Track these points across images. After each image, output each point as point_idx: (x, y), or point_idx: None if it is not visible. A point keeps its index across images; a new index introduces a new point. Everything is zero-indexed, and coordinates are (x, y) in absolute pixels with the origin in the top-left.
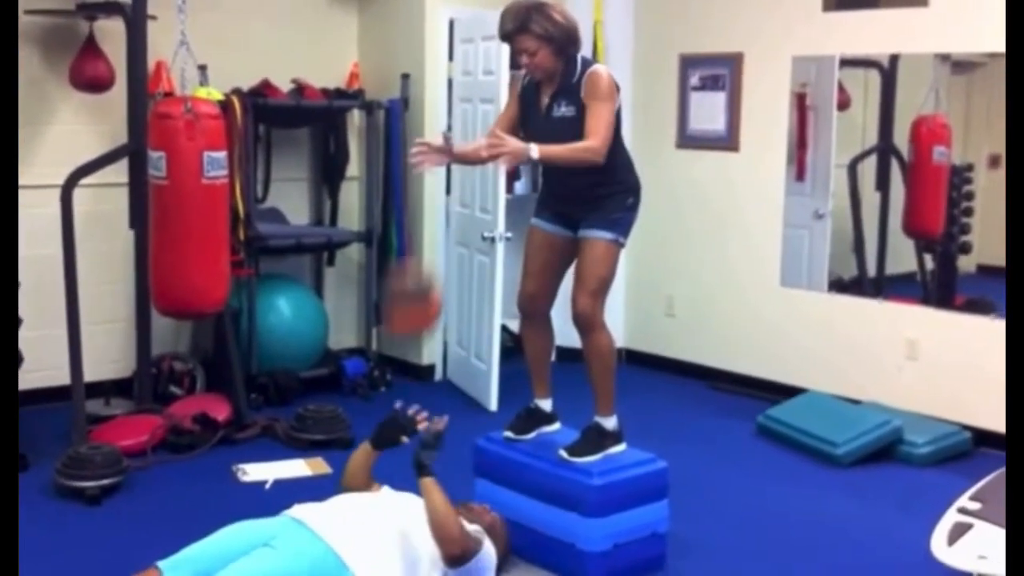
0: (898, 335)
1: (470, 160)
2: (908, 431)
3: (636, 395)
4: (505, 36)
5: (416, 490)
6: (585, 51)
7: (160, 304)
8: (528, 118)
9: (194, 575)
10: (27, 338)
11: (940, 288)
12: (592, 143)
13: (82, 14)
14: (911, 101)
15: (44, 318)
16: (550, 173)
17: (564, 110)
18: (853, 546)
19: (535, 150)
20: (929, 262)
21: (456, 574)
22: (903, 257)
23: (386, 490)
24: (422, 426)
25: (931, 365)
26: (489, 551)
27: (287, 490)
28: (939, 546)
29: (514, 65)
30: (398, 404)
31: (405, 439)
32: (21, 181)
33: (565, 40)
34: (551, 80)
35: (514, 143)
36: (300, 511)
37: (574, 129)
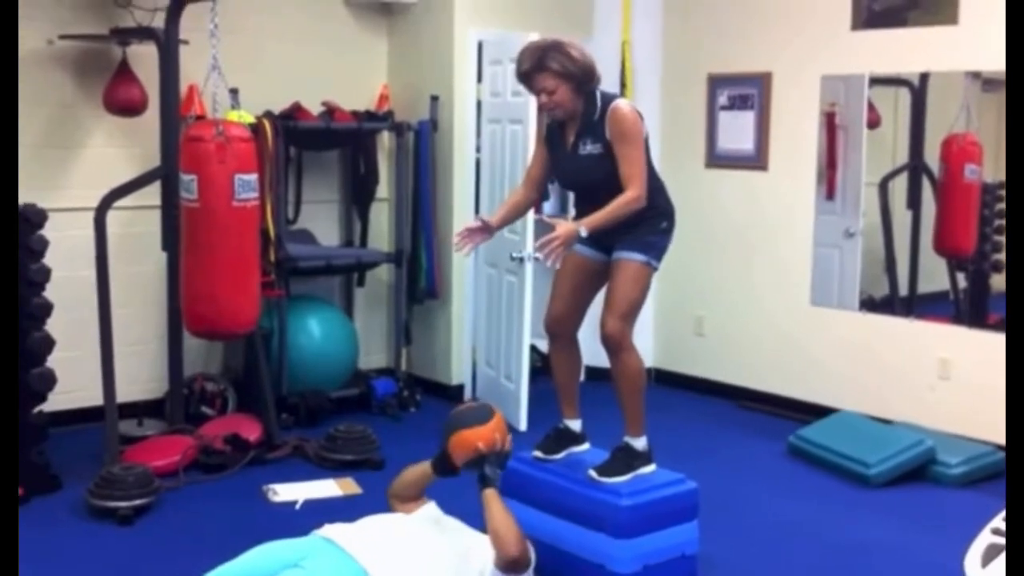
0: (930, 354)
1: (510, 223)
2: (941, 451)
3: (666, 415)
4: (523, 76)
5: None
6: (614, 72)
7: (191, 325)
8: (555, 159)
9: None
10: (60, 359)
11: (972, 307)
12: (632, 193)
13: (115, 39)
14: (942, 119)
15: (77, 340)
16: (582, 198)
17: (590, 148)
18: (885, 568)
19: (584, 229)
20: (961, 281)
21: None
22: (935, 276)
23: (432, 506)
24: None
25: (964, 384)
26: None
27: (317, 510)
28: (973, 568)
29: None
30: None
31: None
32: (56, 204)
33: (583, 77)
34: (573, 119)
35: (563, 231)
36: (330, 530)
37: (601, 166)
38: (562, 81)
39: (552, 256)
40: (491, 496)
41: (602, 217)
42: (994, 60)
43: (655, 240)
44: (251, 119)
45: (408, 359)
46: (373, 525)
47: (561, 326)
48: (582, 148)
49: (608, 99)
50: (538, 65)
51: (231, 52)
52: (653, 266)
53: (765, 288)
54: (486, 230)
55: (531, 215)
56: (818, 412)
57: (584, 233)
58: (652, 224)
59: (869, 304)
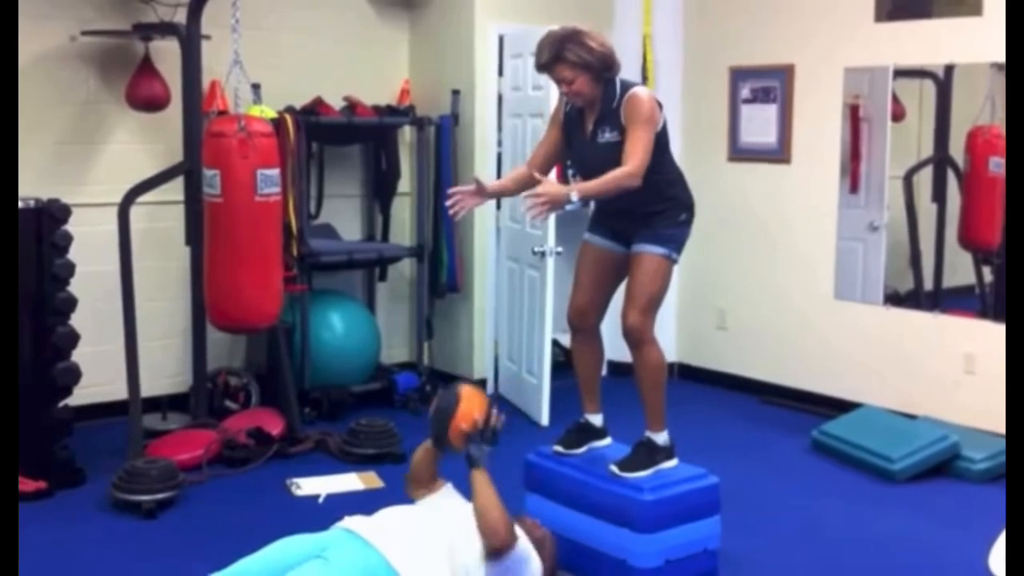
0: (955, 349)
1: (508, 195)
2: (966, 447)
3: (688, 410)
4: (542, 66)
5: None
6: (635, 65)
7: (215, 319)
8: (573, 145)
9: None
10: (85, 354)
11: (998, 301)
12: (628, 168)
13: (138, 35)
14: (967, 111)
15: (102, 334)
16: None
17: (608, 136)
18: (909, 563)
19: (575, 194)
20: (987, 275)
21: (494, 571)
22: (960, 270)
23: (448, 488)
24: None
25: (989, 379)
26: (528, 552)
27: (340, 504)
28: (997, 564)
29: None
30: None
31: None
32: (79, 200)
33: (602, 66)
34: (592, 106)
35: (552, 190)
36: (351, 522)
37: (618, 154)
38: (580, 71)
39: (535, 214)
40: (477, 477)
41: (594, 186)
42: None
43: (674, 232)
44: (273, 114)
45: (430, 353)
46: (392, 516)
47: (583, 318)
48: (600, 136)
49: (628, 87)
50: (555, 56)
51: (253, 47)
52: (673, 259)
53: (788, 282)
54: (479, 193)
55: None
56: (842, 407)
57: (574, 198)
58: (671, 216)
59: (894, 298)
